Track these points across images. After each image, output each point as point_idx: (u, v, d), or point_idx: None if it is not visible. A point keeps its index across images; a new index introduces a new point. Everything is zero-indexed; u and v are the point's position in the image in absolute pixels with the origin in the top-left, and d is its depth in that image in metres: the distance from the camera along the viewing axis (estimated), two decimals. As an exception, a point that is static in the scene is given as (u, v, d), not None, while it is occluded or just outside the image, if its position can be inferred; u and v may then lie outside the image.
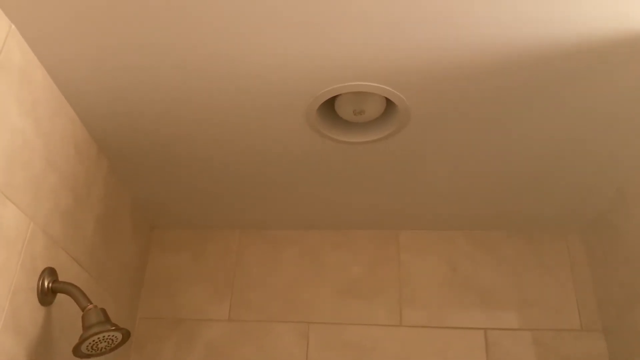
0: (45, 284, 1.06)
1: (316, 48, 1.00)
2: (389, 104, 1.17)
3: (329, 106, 1.20)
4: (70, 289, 1.06)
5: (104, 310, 1.02)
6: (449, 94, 1.10)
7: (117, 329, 1.00)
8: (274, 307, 1.56)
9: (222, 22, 0.95)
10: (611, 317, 1.42)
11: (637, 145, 1.22)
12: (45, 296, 1.06)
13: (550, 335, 1.47)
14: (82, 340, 0.98)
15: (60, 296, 1.11)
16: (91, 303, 1.03)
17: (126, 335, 1.02)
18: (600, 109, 1.12)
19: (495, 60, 1.01)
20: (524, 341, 1.47)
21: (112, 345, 1.03)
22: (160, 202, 1.56)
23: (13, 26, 0.97)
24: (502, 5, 0.90)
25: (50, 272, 1.08)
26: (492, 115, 1.16)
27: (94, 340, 0.99)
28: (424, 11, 0.92)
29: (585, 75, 1.04)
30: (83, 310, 1.02)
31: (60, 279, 1.12)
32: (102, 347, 1.02)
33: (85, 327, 0.99)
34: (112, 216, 1.39)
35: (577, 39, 0.96)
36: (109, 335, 1.00)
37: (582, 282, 1.53)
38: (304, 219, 1.61)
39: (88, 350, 1.01)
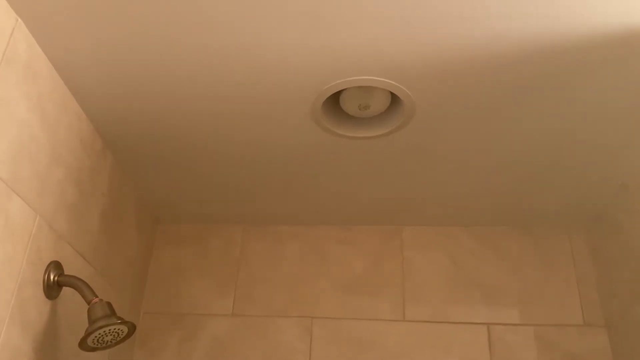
0: (51, 277, 1.06)
1: (321, 42, 1.00)
2: (394, 98, 1.17)
3: (334, 101, 1.20)
4: (76, 283, 1.06)
5: (109, 304, 1.03)
6: (454, 88, 1.10)
7: (123, 322, 1.00)
8: (277, 302, 1.57)
9: (228, 16, 0.95)
10: (614, 313, 1.43)
11: (641, 141, 1.22)
12: (51, 290, 1.07)
13: (553, 330, 1.47)
14: (89, 333, 0.98)
15: (65, 290, 1.11)
16: (97, 296, 1.03)
17: (132, 328, 1.03)
18: (605, 104, 1.12)
19: (500, 55, 1.01)
20: (527, 336, 1.47)
21: (118, 339, 1.03)
22: (164, 197, 1.56)
23: (19, 20, 0.97)
24: (507, 2, 0.90)
25: (56, 265, 1.09)
26: (497, 111, 1.16)
27: (100, 334, 0.99)
28: (429, 6, 0.92)
29: (589, 71, 1.04)
30: (89, 304, 1.02)
31: (66, 272, 1.12)
32: (108, 341, 1.02)
33: (92, 321, 1.00)
34: (116, 210, 1.40)
35: (583, 34, 0.96)
36: (115, 329, 1.00)
37: (585, 278, 1.53)
38: (308, 214, 1.61)
39: (94, 344, 1.01)
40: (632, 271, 1.34)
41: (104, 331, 0.99)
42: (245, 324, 1.55)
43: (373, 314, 1.53)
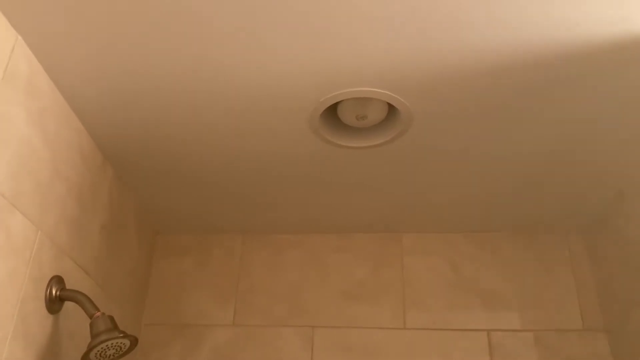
0: (53, 292, 1.07)
1: (318, 55, 1.01)
2: (391, 108, 1.18)
3: (332, 111, 1.21)
4: (78, 297, 1.07)
5: (111, 318, 1.03)
6: (450, 97, 1.11)
7: (125, 336, 1.01)
8: (278, 311, 1.57)
9: (226, 30, 0.96)
10: (613, 317, 1.43)
11: (637, 146, 1.23)
12: (53, 304, 1.07)
13: (553, 335, 1.48)
14: (91, 348, 0.98)
15: (67, 304, 1.12)
16: (99, 310, 1.03)
17: (134, 342, 1.03)
18: (601, 110, 1.13)
19: (496, 64, 1.02)
20: (527, 342, 1.48)
21: (121, 353, 1.03)
22: (163, 208, 1.57)
23: (19, 37, 0.98)
24: (504, 9, 0.91)
25: (58, 280, 1.09)
26: (493, 118, 1.17)
27: (102, 348, 1.00)
28: (425, 16, 0.93)
29: (586, 78, 1.05)
30: (91, 318, 1.02)
31: (67, 287, 1.12)
32: (110, 355, 1.02)
33: (94, 335, 1.00)
34: (117, 223, 1.40)
35: (579, 42, 0.97)
36: (117, 343, 1.01)
37: (584, 282, 1.54)
38: (308, 223, 1.62)
39: (97, 358, 1.01)
40: (631, 275, 1.35)
41: (106, 345, 1.00)
42: (247, 333, 1.55)
43: (374, 322, 1.53)
